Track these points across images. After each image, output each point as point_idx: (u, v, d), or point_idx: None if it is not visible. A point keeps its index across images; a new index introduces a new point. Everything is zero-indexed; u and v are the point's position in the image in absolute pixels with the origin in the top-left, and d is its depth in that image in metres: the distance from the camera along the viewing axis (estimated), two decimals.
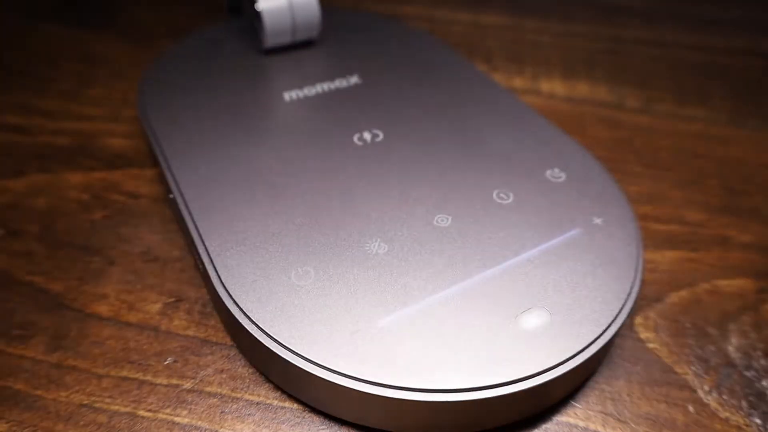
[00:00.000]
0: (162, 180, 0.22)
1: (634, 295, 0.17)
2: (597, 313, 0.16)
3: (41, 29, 0.33)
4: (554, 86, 0.30)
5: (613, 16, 0.37)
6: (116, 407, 0.17)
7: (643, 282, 0.20)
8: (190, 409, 0.16)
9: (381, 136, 0.22)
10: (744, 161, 0.26)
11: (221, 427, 0.16)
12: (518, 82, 0.30)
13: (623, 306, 0.17)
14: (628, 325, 0.19)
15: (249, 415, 0.16)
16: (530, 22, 0.36)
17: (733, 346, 0.19)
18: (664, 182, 0.25)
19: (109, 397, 0.17)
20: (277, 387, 0.17)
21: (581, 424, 0.16)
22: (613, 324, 0.16)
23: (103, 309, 0.19)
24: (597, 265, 0.17)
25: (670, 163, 0.26)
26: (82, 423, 0.16)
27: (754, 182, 0.25)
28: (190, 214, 0.19)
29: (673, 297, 0.20)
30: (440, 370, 0.15)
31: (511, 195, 0.19)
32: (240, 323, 0.16)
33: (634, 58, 0.33)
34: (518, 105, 0.24)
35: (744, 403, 0.17)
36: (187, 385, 0.17)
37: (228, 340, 0.18)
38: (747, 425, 0.17)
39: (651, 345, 0.18)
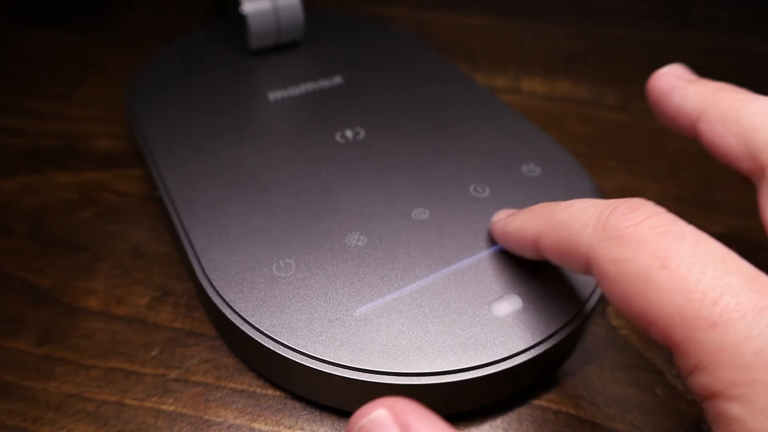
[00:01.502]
0: (149, 178, 0.22)
1: None
2: (567, 300, 0.17)
3: (32, 33, 0.34)
4: (535, 85, 0.31)
5: (593, 17, 0.37)
6: (104, 396, 0.17)
7: None
8: (176, 397, 0.17)
9: (362, 133, 0.22)
10: None
11: (206, 414, 0.17)
12: (500, 81, 0.31)
13: (592, 293, 0.17)
14: (600, 313, 0.20)
15: (233, 402, 0.17)
16: (513, 23, 0.36)
17: None
18: (640, 176, 0.25)
19: (98, 387, 0.17)
20: (260, 375, 0.18)
21: (554, 407, 0.17)
22: (582, 310, 0.17)
23: (92, 303, 0.20)
24: None
25: (646, 158, 0.26)
26: (70, 412, 0.17)
27: (727, 175, 0.26)
28: (175, 210, 0.19)
29: None
30: (416, 354, 0.15)
31: (488, 189, 0.20)
32: (224, 314, 0.17)
33: (614, 57, 0.34)
34: (497, 103, 0.24)
35: None
36: (173, 374, 0.18)
37: (213, 332, 0.19)
38: None
39: (622, 331, 0.19)
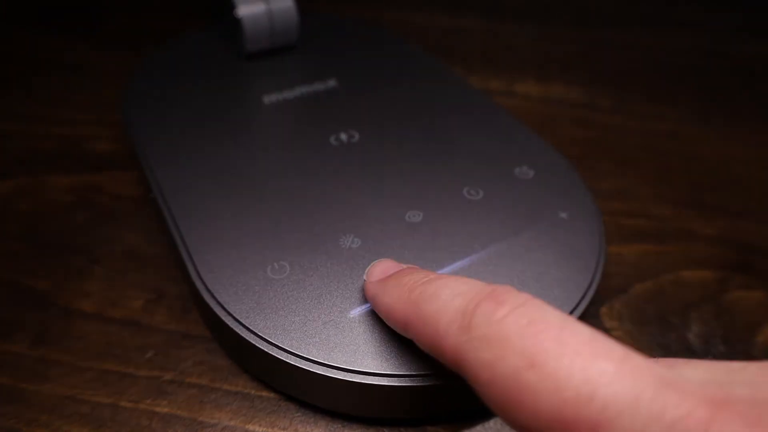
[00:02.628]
0: (144, 181, 0.22)
1: (595, 285, 0.18)
2: (559, 301, 0.17)
3: (27, 37, 0.34)
4: (529, 88, 0.31)
5: (586, 20, 0.38)
6: (99, 398, 0.17)
7: (609, 273, 0.21)
8: (171, 399, 0.17)
9: (357, 136, 0.23)
10: (710, 158, 0.27)
11: (200, 416, 0.17)
12: (494, 84, 0.31)
13: (584, 295, 0.17)
14: (593, 314, 0.20)
15: (227, 404, 0.17)
16: (506, 26, 0.37)
17: (693, 333, 0.19)
18: (633, 179, 0.26)
19: (92, 389, 0.17)
20: (255, 377, 0.18)
21: None
22: (575, 311, 0.17)
23: (86, 305, 0.20)
24: (561, 256, 0.18)
25: (639, 161, 0.27)
26: (65, 414, 0.17)
27: (719, 178, 0.26)
28: (170, 212, 0.20)
29: (638, 288, 0.21)
30: (409, 356, 0.16)
31: (481, 191, 0.20)
32: (218, 316, 0.17)
33: (607, 60, 0.34)
34: (490, 106, 0.25)
35: None
36: (168, 376, 0.18)
37: (207, 334, 0.19)
38: None
39: (615, 333, 0.19)
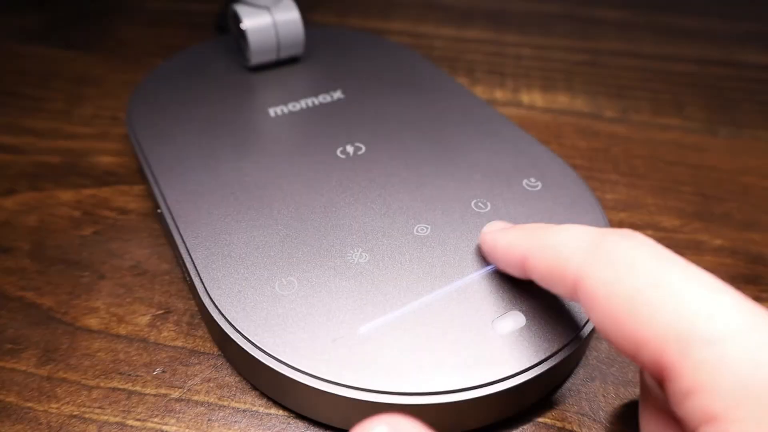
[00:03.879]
0: (150, 195, 0.22)
1: None
2: (571, 316, 0.17)
3: (31, 50, 0.34)
4: (534, 98, 0.31)
5: (590, 29, 0.38)
6: (106, 417, 0.17)
7: None
8: (178, 417, 0.17)
9: (363, 149, 0.23)
10: (717, 168, 0.27)
11: None
12: (499, 95, 0.31)
13: None
14: None
15: (236, 422, 0.17)
16: (511, 36, 0.37)
17: None
18: (640, 189, 0.25)
19: (99, 407, 0.17)
20: (263, 394, 0.18)
21: (558, 424, 0.17)
22: (586, 326, 0.17)
23: (93, 322, 0.20)
24: None
25: (645, 171, 0.26)
26: None
27: (726, 188, 0.26)
28: (177, 227, 0.19)
29: None
30: (419, 373, 0.15)
31: (489, 204, 0.20)
32: (226, 333, 0.17)
33: (612, 69, 0.34)
34: (497, 117, 0.25)
35: None
36: (176, 394, 0.18)
37: (215, 350, 0.19)
38: None
39: None
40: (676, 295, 0.12)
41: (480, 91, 0.31)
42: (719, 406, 0.10)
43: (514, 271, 0.16)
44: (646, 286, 0.12)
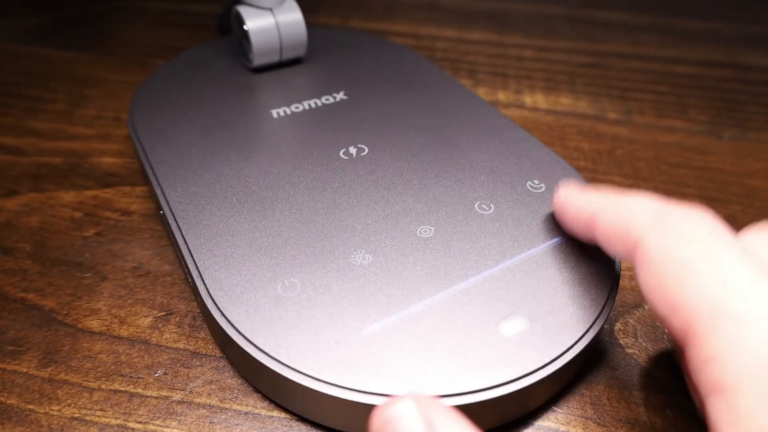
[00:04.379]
0: (153, 197, 0.22)
1: (611, 302, 0.17)
2: (575, 319, 0.17)
3: (34, 52, 0.34)
4: (537, 99, 0.31)
5: (594, 31, 0.37)
6: (107, 420, 0.17)
7: (622, 289, 0.21)
8: (180, 420, 0.17)
9: (366, 150, 0.22)
10: (721, 170, 0.27)
11: None
12: (502, 96, 0.31)
13: (600, 312, 0.17)
14: (607, 331, 0.19)
15: (237, 425, 0.17)
16: (513, 38, 0.36)
17: None
18: (644, 192, 0.25)
19: (101, 410, 0.17)
20: (265, 397, 0.17)
21: (562, 428, 0.17)
22: (590, 330, 0.17)
23: (95, 324, 0.19)
24: (575, 273, 0.18)
25: (649, 173, 0.26)
26: None
27: (731, 191, 0.26)
28: (179, 229, 0.19)
29: None
30: (423, 376, 0.15)
31: (492, 206, 0.20)
32: (228, 335, 0.17)
33: (615, 71, 0.34)
34: (500, 118, 0.24)
35: None
36: (177, 396, 0.17)
37: (217, 352, 0.19)
38: None
39: (630, 350, 0.19)
40: (723, 272, 0.12)
41: (483, 92, 0.31)
42: (731, 377, 0.11)
43: (578, 229, 0.17)
44: (699, 257, 0.13)
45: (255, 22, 0.26)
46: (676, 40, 0.37)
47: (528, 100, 0.31)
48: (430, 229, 0.19)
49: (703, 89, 0.32)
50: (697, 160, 0.27)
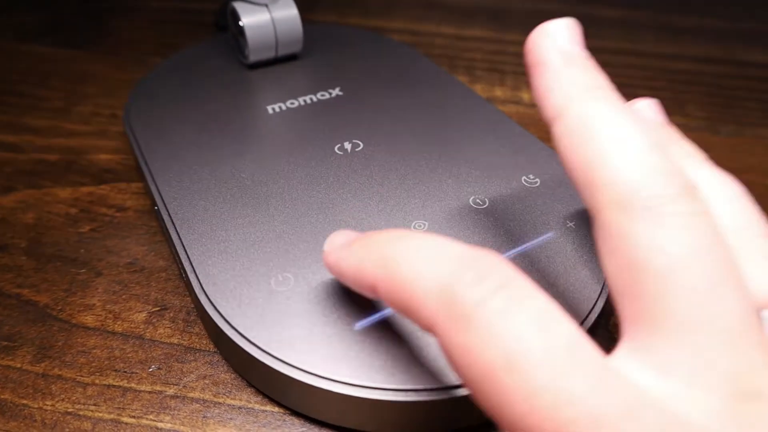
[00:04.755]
0: (148, 193, 0.22)
1: (605, 296, 0.17)
2: (569, 312, 0.17)
3: (31, 49, 0.34)
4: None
5: (591, 27, 0.37)
6: (101, 414, 0.17)
7: None
8: (173, 414, 0.17)
9: (361, 145, 0.22)
10: (719, 166, 0.27)
11: None
12: (499, 92, 0.31)
13: (594, 305, 0.17)
14: (603, 326, 0.19)
15: (231, 419, 0.17)
16: (511, 34, 0.36)
17: None
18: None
19: (94, 404, 0.17)
20: (259, 391, 0.17)
21: None
22: (584, 323, 0.17)
23: (89, 319, 0.19)
24: (569, 266, 0.18)
25: None
26: (67, 430, 0.16)
27: None
28: (173, 224, 0.19)
29: None
30: (415, 370, 0.15)
31: (487, 200, 0.20)
32: (221, 329, 0.17)
33: (612, 67, 0.34)
34: (496, 114, 0.24)
35: None
36: (171, 391, 0.17)
37: (211, 347, 0.19)
38: None
39: None
40: (527, 384, 0.10)
41: (480, 88, 0.31)
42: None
43: (372, 297, 0.15)
44: (500, 368, 0.11)
45: (250, 18, 0.26)
46: (673, 37, 0.37)
47: (525, 96, 0.31)
48: (424, 224, 0.19)
49: (700, 85, 0.32)
50: None
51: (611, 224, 0.12)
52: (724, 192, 0.14)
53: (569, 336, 0.11)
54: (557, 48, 0.15)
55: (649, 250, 0.11)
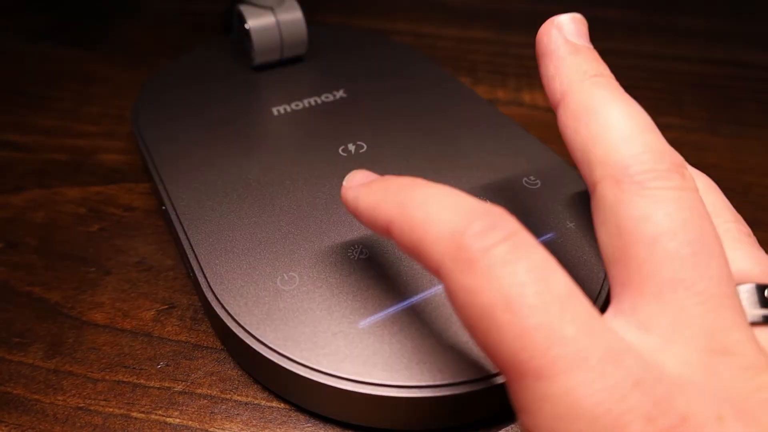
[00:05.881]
0: (155, 193, 0.23)
1: (603, 295, 0.18)
2: None
3: (40, 50, 0.34)
4: (536, 97, 0.31)
5: (592, 29, 0.38)
6: (111, 409, 0.17)
7: None
8: (182, 410, 0.17)
9: (365, 147, 0.23)
10: (718, 167, 0.27)
11: (211, 427, 0.17)
12: (501, 94, 0.31)
13: (596, 299, 0.17)
14: None
15: (237, 414, 0.17)
16: (514, 36, 0.37)
17: None
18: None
19: (104, 400, 0.18)
20: (265, 387, 0.18)
21: None
22: None
23: (98, 317, 0.20)
24: (569, 267, 0.18)
25: None
26: (78, 425, 0.17)
27: (727, 187, 0.26)
28: (181, 224, 0.20)
29: None
30: (419, 367, 0.16)
31: (488, 201, 0.20)
32: (229, 327, 0.17)
33: (613, 68, 0.34)
34: (498, 115, 0.25)
35: None
36: (179, 387, 0.18)
37: (218, 344, 0.19)
38: None
39: None
40: (522, 324, 0.11)
41: (482, 90, 0.32)
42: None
43: (382, 235, 0.15)
44: (498, 308, 0.11)
45: (256, 21, 0.26)
46: (673, 38, 0.37)
47: (527, 98, 0.31)
48: None
49: (700, 86, 0.33)
50: (694, 157, 0.27)
51: (605, 197, 0.13)
52: (698, 183, 0.15)
53: (565, 286, 0.12)
54: (563, 38, 0.17)
55: (638, 219, 0.13)
